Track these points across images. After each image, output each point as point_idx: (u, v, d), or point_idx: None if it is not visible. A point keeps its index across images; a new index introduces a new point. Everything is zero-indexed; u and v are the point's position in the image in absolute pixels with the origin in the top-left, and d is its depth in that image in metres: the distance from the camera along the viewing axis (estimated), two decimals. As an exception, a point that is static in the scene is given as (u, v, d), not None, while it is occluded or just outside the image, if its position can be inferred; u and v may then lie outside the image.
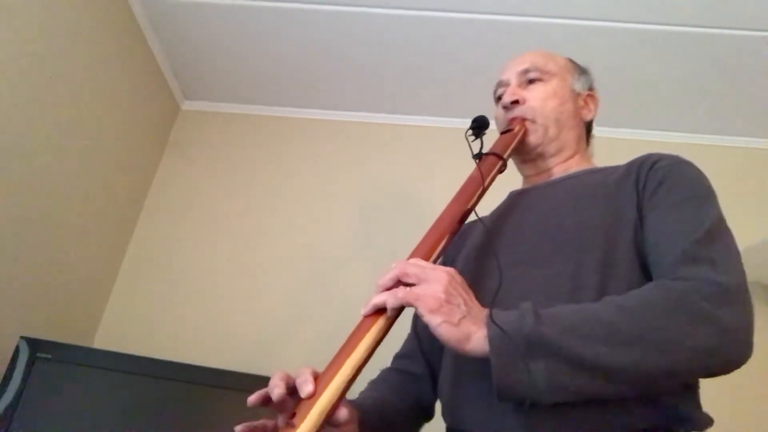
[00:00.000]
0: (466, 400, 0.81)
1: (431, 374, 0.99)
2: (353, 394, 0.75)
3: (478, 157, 0.94)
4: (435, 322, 0.65)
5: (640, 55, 1.88)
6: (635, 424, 0.70)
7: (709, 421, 0.74)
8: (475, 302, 0.70)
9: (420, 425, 0.99)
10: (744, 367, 0.69)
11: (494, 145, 0.97)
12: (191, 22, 1.96)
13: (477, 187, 0.88)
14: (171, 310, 1.92)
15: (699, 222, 0.77)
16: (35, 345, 1.42)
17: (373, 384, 0.98)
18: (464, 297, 0.69)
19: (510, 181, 1.03)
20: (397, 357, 1.05)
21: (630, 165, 0.90)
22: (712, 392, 0.82)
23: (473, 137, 0.97)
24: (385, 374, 1.02)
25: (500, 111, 1.04)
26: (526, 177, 1.06)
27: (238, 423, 0.71)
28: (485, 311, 0.69)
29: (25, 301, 1.59)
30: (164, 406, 1.44)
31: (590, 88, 1.08)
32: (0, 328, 1.50)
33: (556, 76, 1.03)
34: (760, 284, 1.74)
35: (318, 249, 2.01)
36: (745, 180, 2.02)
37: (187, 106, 2.32)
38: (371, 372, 0.90)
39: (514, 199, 1.02)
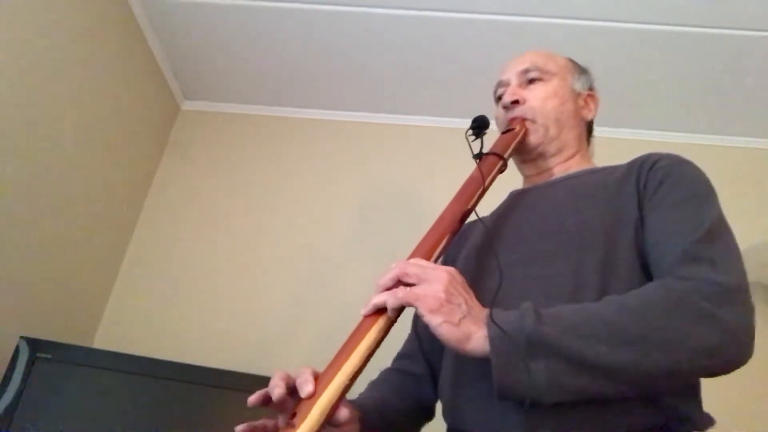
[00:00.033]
0: (467, 400, 0.81)
1: (432, 374, 0.99)
2: (354, 394, 0.75)
3: (479, 157, 0.94)
4: (435, 322, 0.65)
5: (640, 55, 1.88)
6: (636, 424, 0.70)
7: (711, 421, 0.74)
8: (476, 302, 0.70)
9: (420, 425, 0.99)
10: (745, 367, 0.69)
11: (494, 145, 0.97)
12: (191, 22, 1.96)
13: (477, 187, 0.88)
14: (171, 310, 1.92)
15: (699, 222, 0.77)
16: (35, 345, 1.42)
17: (374, 384, 0.98)
18: (465, 297, 0.69)
19: (510, 180, 1.03)
20: (398, 357, 1.05)
21: (630, 165, 0.90)
22: (713, 392, 0.82)
23: (473, 137, 0.97)
24: (386, 374, 1.02)
25: (500, 111, 1.04)
26: (526, 177, 1.06)
27: (239, 423, 0.71)
28: (486, 311, 0.69)
29: (25, 301, 1.59)
30: (164, 406, 1.44)
31: (590, 88, 1.08)
32: (0, 328, 1.50)
33: (556, 76, 1.03)
34: (761, 284, 1.74)
35: (318, 249, 2.01)
36: (745, 180, 2.02)
37: (187, 106, 2.32)
38: (372, 372, 0.90)
39: (515, 198, 1.02)
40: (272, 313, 1.91)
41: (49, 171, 1.62)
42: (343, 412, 0.68)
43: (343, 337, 0.68)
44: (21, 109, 1.49)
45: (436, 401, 0.97)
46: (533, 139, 0.99)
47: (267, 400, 0.68)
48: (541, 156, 1.01)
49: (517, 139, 0.98)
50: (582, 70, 1.08)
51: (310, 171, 2.17)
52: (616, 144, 1.65)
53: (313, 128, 2.25)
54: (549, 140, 1.00)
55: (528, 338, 0.64)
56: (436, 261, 0.77)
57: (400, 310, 0.68)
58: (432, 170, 2.10)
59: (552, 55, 1.06)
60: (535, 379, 0.63)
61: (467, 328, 0.66)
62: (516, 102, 1.00)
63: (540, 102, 1.00)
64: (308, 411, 0.61)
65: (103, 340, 1.88)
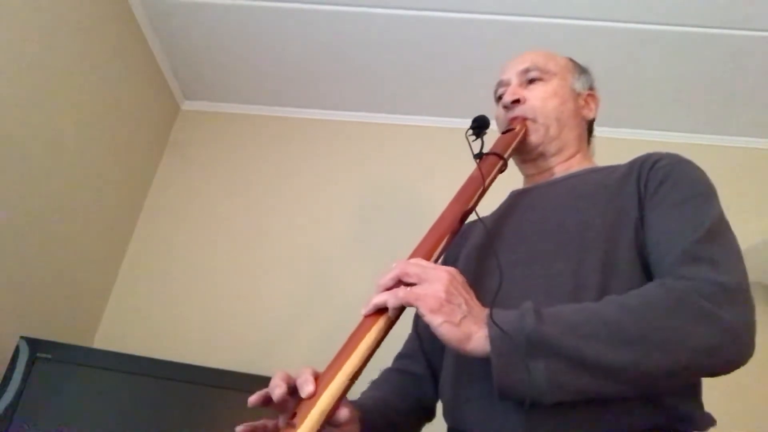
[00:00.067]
0: (467, 400, 0.81)
1: (432, 374, 0.99)
2: (354, 394, 0.75)
3: (479, 156, 0.94)
4: (436, 321, 0.65)
5: (640, 55, 1.88)
6: (636, 424, 0.70)
7: (711, 422, 0.74)
8: (476, 302, 0.70)
9: (421, 425, 0.98)
10: (746, 367, 0.69)
11: (495, 145, 0.96)
12: (191, 22, 1.96)
13: (478, 186, 0.88)
14: (171, 310, 1.92)
15: (700, 221, 0.76)
16: (35, 345, 1.42)
17: (374, 384, 0.98)
18: (465, 297, 0.69)
19: (511, 180, 1.03)
20: (399, 357, 1.05)
21: (631, 164, 0.90)
22: (714, 392, 0.82)
23: (474, 137, 0.97)
24: (386, 374, 1.02)
25: (501, 110, 1.04)
26: (527, 176, 1.06)
27: (239, 423, 0.71)
28: (486, 311, 0.69)
29: (25, 301, 1.59)
30: (164, 406, 1.44)
31: (591, 88, 1.08)
32: (0, 328, 1.50)
33: (556, 76, 1.03)
34: (761, 284, 1.74)
35: (318, 249, 2.01)
36: (745, 180, 2.02)
37: (187, 106, 2.32)
38: (372, 372, 0.90)
39: (515, 198, 1.02)
40: (272, 313, 1.91)
41: (49, 171, 1.62)
42: (344, 412, 0.68)
43: (344, 337, 0.68)
44: (21, 109, 1.49)
45: (436, 401, 0.97)
46: (534, 138, 0.99)
47: (267, 400, 0.68)
48: (542, 156, 1.01)
49: (518, 138, 0.98)
50: (582, 70, 1.08)
51: (310, 171, 2.17)
52: (616, 144, 1.65)
53: (313, 128, 2.25)
54: (549, 140, 0.99)
55: (528, 338, 0.64)
56: (436, 261, 0.77)
57: (400, 309, 0.68)
58: (432, 170, 2.10)
59: (552, 55, 1.06)
60: (535, 378, 0.63)
61: (468, 328, 0.66)
62: (516, 101, 1.00)
63: (540, 101, 1.00)
64: (309, 411, 0.61)
65: (103, 340, 1.87)
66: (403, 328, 0.98)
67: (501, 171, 0.95)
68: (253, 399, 0.69)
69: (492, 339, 0.65)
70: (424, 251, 0.76)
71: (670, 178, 0.83)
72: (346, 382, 0.64)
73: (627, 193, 0.85)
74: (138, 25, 1.96)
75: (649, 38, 1.82)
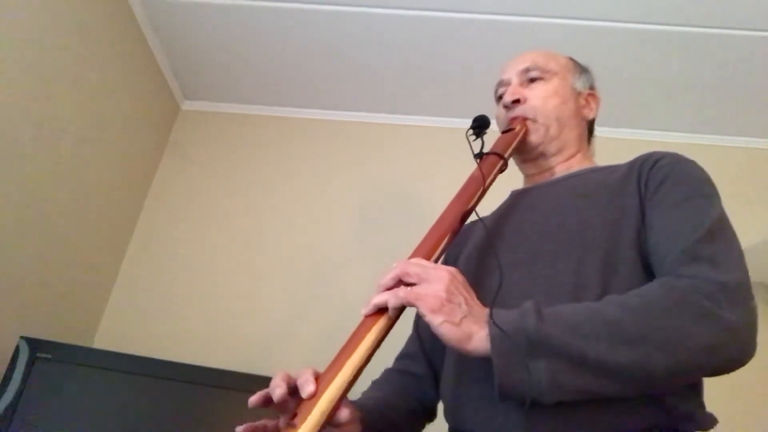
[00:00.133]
0: (468, 400, 0.81)
1: (433, 375, 0.99)
2: (355, 394, 0.75)
3: (479, 156, 0.94)
4: (436, 321, 0.65)
5: (640, 55, 1.88)
6: (637, 424, 0.70)
7: (713, 421, 0.73)
8: (477, 302, 0.70)
9: (422, 426, 0.98)
10: (747, 366, 0.69)
11: (495, 145, 0.96)
12: (191, 22, 1.95)
13: (478, 186, 0.88)
14: (171, 310, 1.92)
15: (700, 221, 0.76)
16: (35, 345, 1.42)
17: (375, 385, 0.98)
18: (465, 296, 0.69)
19: (511, 180, 1.03)
20: (399, 357, 1.05)
21: (632, 163, 0.90)
22: (715, 392, 0.82)
23: (474, 137, 0.96)
24: (387, 375, 1.02)
25: (501, 110, 1.04)
26: (527, 176, 1.06)
27: (239, 423, 0.71)
28: (486, 310, 0.68)
29: (25, 301, 1.59)
30: (164, 406, 1.43)
31: (591, 87, 1.08)
32: (0, 328, 1.50)
33: (557, 75, 1.02)
34: (762, 284, 1.74)
35: (318, 249, 2.01)
36: (745, 180, 2.02)
37: (187, 106, 2.32)
38: (373, 372, 0.90)
39: (516, 198, 1.02)
40: (272, 313, 1.91)
41: (49, 171, 1.62)
42: (344, 413, 0.68)
43: (344, 337, 0.68)
44: (21, 109, 1.49)
45: (437, 401, 0.97)
46: (534, 138, 0.99)
47: (268, 400, 0.68)
48: (542, 155, 1.01)
49: (518, 138, 0.97)
50: (583, 69, 1.08)
51: (310, 171, 2.17)
52: (616, 144, 1.65)
53: (313, 128, 2.25)
54: (550, 139, 0.99)
55: (529, 338, 0.64)
56: (436, 261, 0.77)
57: (401, 309, 0.68)
58: (432, 170, 2.10)
59: (553, 55, 1.06)
60: (535, 378, 0.63)
61: (468, 328, 0.66)
62: (517, 101, 1.00)
63: (541, 101, 0.99)
64: (309, 411, 0.61)
65: (103, 340, 1.87)
66: (404, 328, 0.98)
67: (501, 171, 0.95)
68: (253, 399, 0.69)
69: (493, 339, 0.65)
70: (425, 251, 0.76)
71: (670, 178, 0.83)
72: (347, 383, 0.64)
73: (628, 192, 0.85)
74: (138, 25, 1.95)
75: (649, 38, 1.82)
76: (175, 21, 1.96)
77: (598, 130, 1.13)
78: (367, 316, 0.68)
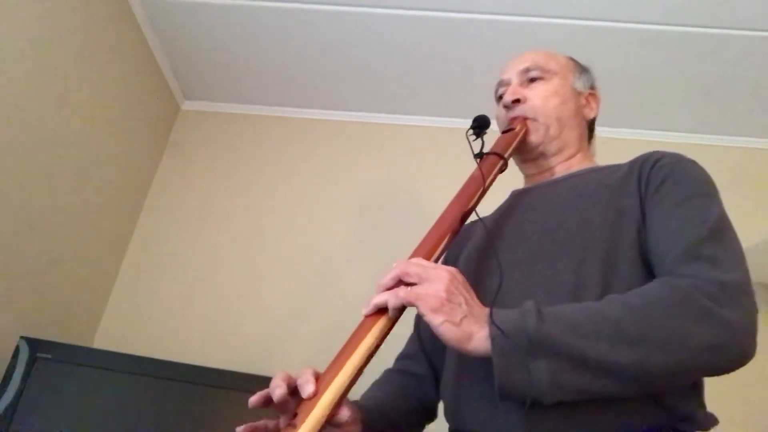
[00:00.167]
0: (469, 400, 0.81)
1: (434, 375, 0.99)
2: (356, 394, 0.75)
3: (479, 156, 0.94)
4: (436, 321, 0.65)
5: (640, 55, 1.88)
6: (637, 424, 0.70)
7: (714, 421, 0.73)
8: (477, 301, 0.70)
9: (423, 426, 0.98)
10: (748, 367, 0.69)
11: (495, 145, 0.96)
12: (191, 22, 1.95)
13: (478, 186, 0.88)
14: (171, 310, 1.92)
15: (701, 220, 0.76)
16: (35, 345, 1.42)
17: (376, 385, 0.98)
18: (465, 296, 0.69)
19: (511, 180, 1.03)
20: (400, 357, 1.05)
21: (632, 163, 0.90)
22: (715, 392, 0.82)
23: (474, 137, 0.96)
24: (388, 375, 1.02)
25: (501, 110, 1.04)
26: (527, 176, 1.06)
27: (239, 424, 0.71)
28: (486, 310, 0.68)
29: (25, 301, 1.59)
30: (164, 406, 1.43)
31: (592, 87, 1.08)
32: (0, 328, 1.50)
33: (557, 75, 1.02)
34: (762, 284, 1.74)
35: (318, 249, 2.01)
36: (745, 180, 2.02)
37: (187, 106, 2.32)
38: (373, 372, 0.90)
39: (516, 198, 1.01)
40: (272, 313, 1.91)
41: (48, 171, 1.62)
42: (345, 413, 0.68)
43: (344, 337, 0.68)
44: (20, 109, 1.49)
45: (438, 402, 0.97)
46: (534, 138, 0.99)
47: (268, 400, 0.68)
48: (542, 155, 1.01)
49: (518, 138, 0.97)
50: (583, 69, 1.08)
51: (310, 171, 2.17)
52: (616, 144, 1.65)
53: (313, 128, 2.25)
54: (550, 139, 0.99)
55: (529, 338, 0.64)
56: (436, 261, 0.77)
57: (401, 309, 0.68)
58: (432, 170, 2.10)
59: (553, 54, 1.06)
60: (535, 378, 0.63)
61: (468, 328, 0.66)
62: (517, 101, 1.00)
63: (541, 101, 0.99)
64: (309, 411, 0.61)
65: (103, 340, 1.87)
66: (404, 328, 0.98)
67: (501, 171, 0.95)
68: (253, 399, 0.69)
69: (493, 339, 0.65)
70: (425, 251, 0.76)
71: (671, 177, 0.83)
72: (347, 383, 0.64)
73: (628, 192, 0.85)
74: (138, 25, 1.95)
75: (649, 38, 1.82)
76: (175, 21, 1.96)
77: (598, 130, 1.12)
78: (367, 316, 0.68)
